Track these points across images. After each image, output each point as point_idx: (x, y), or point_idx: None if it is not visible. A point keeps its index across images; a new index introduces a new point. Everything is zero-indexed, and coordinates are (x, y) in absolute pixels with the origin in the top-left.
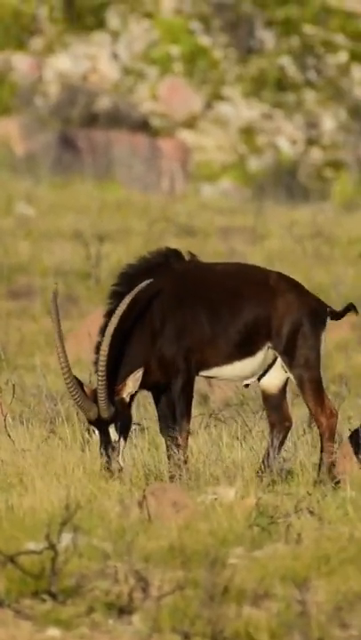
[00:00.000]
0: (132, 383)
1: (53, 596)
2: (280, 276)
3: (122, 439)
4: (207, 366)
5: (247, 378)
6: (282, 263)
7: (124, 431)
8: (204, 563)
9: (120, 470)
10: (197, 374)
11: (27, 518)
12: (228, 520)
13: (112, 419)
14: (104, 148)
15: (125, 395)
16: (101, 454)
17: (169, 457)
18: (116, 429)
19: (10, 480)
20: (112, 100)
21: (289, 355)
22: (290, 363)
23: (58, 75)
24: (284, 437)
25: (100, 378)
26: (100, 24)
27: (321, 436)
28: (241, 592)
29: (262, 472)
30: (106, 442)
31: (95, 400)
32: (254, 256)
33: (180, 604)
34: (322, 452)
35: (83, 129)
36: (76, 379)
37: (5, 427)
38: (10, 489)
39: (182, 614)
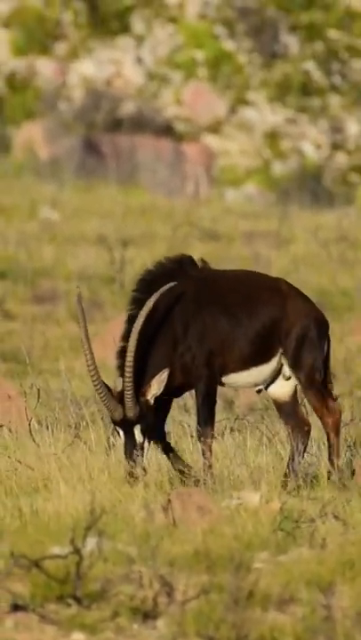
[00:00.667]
0: (156, 384)
1: (78, 600)
2: (287, 282)
3: (146, 441)
4: (225, 372)
5: (259, 385)
6: (307, 267)
7: (148, 433)
8: (228, 567)
9: (145, 472)
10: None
11: (51, 523)
12: (253, 524)
13: (137, 419)
14: (128, 152)
15: (150, 396)
16: (126, 456)
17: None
18: (141, 431)
19: (34, 485)
20: (136, 104)
21: (296, 358)
22: (296, 365)
23: (82, 79)
24: (306, 441)
25: (126, 377)
26: (125, 29)
27: (328, 435)
28: (266, 596)
29: (287, 477)
30: (130, 444)
31: (121, 401)
32: (279, 260)
33: (205, 609)
34: (330, 449)
35: (107, 134)
36: (102, 381)
37: (30, 431)
38: (35, 493)
39: (207, 619)
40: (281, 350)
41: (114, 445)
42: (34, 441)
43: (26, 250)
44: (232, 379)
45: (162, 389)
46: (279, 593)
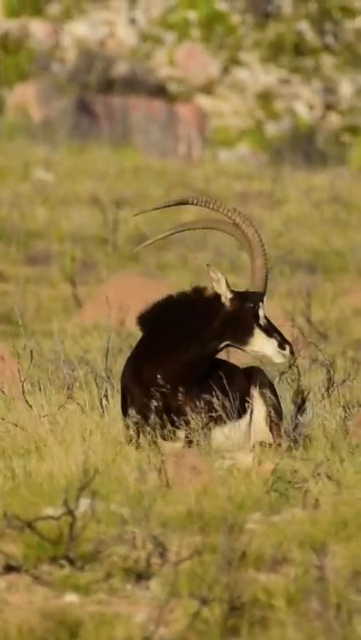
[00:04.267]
0: None
1: (71, 561)
2: None
3: None
4: None
5: None
6: (300, 228)
7: None
8: (221, 528)
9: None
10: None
11: (44, 484)
12: (246, 485)
13: None
14: (121, 113)
15: None
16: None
17: (188, 422)
18: None
19: (27, 446)
20: (129, 65)
21: None
22: None
23: (75, 41)
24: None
25: None
26: None
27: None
28: (259, 557)
29: (280, 437)
30: None
31: None
32: (272, 221)
33: (198, 570)
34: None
35: (100, 95)
36: None
37: (23, 393)
38: (27, 455)
39: (200, 579)
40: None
41: (107, 407)
42: (27, 402)
43: (19, 211)
44: None
45: None
46: (272, 554)
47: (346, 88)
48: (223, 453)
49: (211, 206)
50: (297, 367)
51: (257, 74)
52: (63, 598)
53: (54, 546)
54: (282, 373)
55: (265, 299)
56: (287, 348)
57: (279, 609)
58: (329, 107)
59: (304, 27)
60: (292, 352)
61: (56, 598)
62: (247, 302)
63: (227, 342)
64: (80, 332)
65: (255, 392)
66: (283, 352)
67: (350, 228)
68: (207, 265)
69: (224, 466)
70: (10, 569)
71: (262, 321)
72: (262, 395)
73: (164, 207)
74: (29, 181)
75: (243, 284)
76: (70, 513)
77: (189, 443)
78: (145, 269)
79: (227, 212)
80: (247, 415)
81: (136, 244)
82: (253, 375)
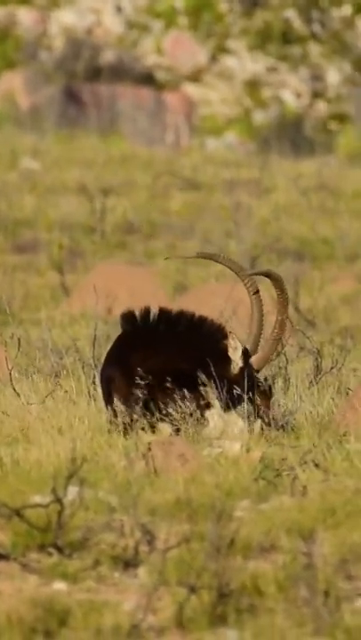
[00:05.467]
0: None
1: (59, 549)
2: None
3: None
4: None
5: None
6: (287, 216)
7: None
8: (210, 516)
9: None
10: None
11: (32, 472)
12: (234, 473)
13: None
14: (109, 101)
15: None
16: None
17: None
18: None
19: (15, 434)
20: (116, 53)
21: None
22: None
23: (62, 29)
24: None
25: None
26: None
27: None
28: (247, 545)
29: (268, 425)
30: None
31: None
32: (260, 209)
33: (186, 557)
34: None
35: (87, 83)
36: None
37: (11, 380)
38: (15, 443)
39: (188, 567)
40: None
41: (94, 395)
42: (14, 390)
43: (6, 200)
44: None
45: None
46: (260, 541)
47: (333, 76)
48: (211, 441)
49: (235, 270)
50: (285, 355)
51: (245, 62)
52: (52, 586)
53: (42, 534)
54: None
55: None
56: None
57: (268, 596)
58: (316, 95)
59: (291, 15)
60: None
61: (44, 586)
62: (247, 368)
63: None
64: (68, 319)
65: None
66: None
67: (338, 215)
68: (229, 332)
69: (212, 454)
70: None
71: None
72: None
73: (191, 257)
74: (17, 170)
75: (231, 272)
76: (58, 501)
77: (177, 431)
78: (132, 257)
79: (247, 281)
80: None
81: (123, 233)
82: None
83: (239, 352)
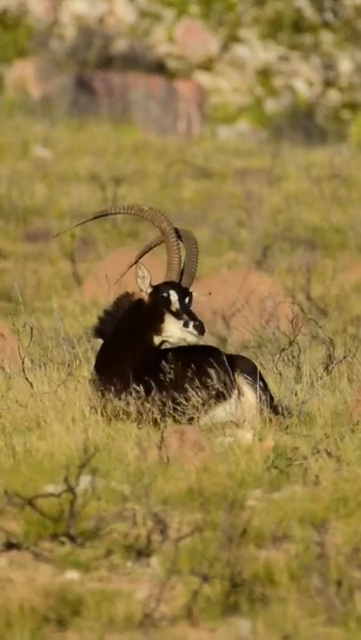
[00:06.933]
0: None
1: (72, 538)
2: None
3: None
4: None
5: None
6: (299, 205)
7: None
8: (222, 505)
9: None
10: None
11: (45, 461)
12: (247, 462)
13: None
14: (120, 90)
15: None
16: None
17: (188, 399)
18: None
19: (28, 423)
20: (128, 42)
21: None
22: None
23: (74, 17)
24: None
25: None
26: None
27: None
28: (259, 534)
29: (281, 414)
30: None
31: None
32: (271, 198)
33: (199, 547)
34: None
35: (99, 71)
36: None
37: (23, 370)
38: (28, 432)
39: (201, 556)
40: None
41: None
42: (27, 380)
43: (18, 188)
44: None
45: None
46: (273, 530)
47: (345, 65)
48: (224, 430)
49: (131, 212)
50: (297, 344)
51: (256, 51)
52: (64, 575)
53: (55, 523)
54: (282, 350)
55: (178, 287)
56: (190, 324)
57: (280, 586)
58: (328, 83)
59: (303, 3)
60: (197, 328)
61: (57, 575)
62: (160, 292)
63: (160, 338)
64: (80, 308)
65: (240, 378)
66: (187, 330)
67: (350, 204)
68: (136, 263)
69: (225, 443)
70: (11, 546)
71: (174, 307)
72: (247, 380)
73: (86, 222)
74: (28, 158)
75: (243, 261)
76: (71, 490)
77: (190, 420)
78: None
79: (138, 210)
80: (231, 400)
81: (135, 221)
82: (239, 362)
83: (147, 280)
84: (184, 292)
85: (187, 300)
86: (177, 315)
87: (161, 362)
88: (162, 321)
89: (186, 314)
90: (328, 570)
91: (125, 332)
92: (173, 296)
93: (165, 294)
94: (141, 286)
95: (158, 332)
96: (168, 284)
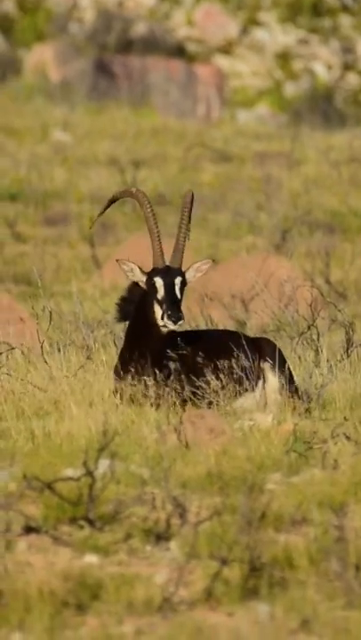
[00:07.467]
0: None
1: (91, 522)
2: None
3: None
4: None
5: None
6: (318, 189)
7: None
8: (241, 488)
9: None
10: None
11: (64, 445)
12: (266, 446)
13: None
14: (140, 73)
15: None
16: None
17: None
18: None
19: (47, 407)
20: (148, 25)
21: None
22: None
23: (93, 1)
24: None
25: None
26: None
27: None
28: (278, 518)
29: (300, 398)
30: None
31: None
32: (290, 182)
33: (218, 530)
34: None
35: (118, 55)
36: None
37: (42, 354)
38: (47, 416)
39: (220, 540)
40: None
41: None
42: (46, 363)
43: (37, 172)
44: None
45: None
46: (292, 514)
47: None
48: (243, 414)
49: (124, 196)
50: (316, 328)
51: (275, 34)
52: (83, 559)
53: (74, 507)
54: (301, 334)
55: (163, 272)
56: (165, 317)
57: (299, 569)
58: (347, 67)
59: None
60: (171, 318)
61: (76, 559)
62: (149, 281)
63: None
64: (99, 292)
65: (263, 363)
66: (165, 321)
67: None
68: (116, 260)
69: (244, 426)
70: (30, 530)
71: (160, 293)
72: (270, 364)
73: (103, 212)
74: (48, 142)
75: (262, 244)
76: (90, 474)
77: (209, 404)
78: (163, 229)
79: (128, 193)
80: (257, 390)
81: (154, 205)
82: (263, 346)
83: (136, 270)
84: (171, 276)
85: (177, 280)
86: (160, 303)
87: (182, 347)
88: (153, 310)
89: (166, 302)
90: (347, 553)
91: (138, 319)
92: (158, 282)
93: (152, 282)
94: (133, 279)
95: (154, 319)
96: (153, 272)
